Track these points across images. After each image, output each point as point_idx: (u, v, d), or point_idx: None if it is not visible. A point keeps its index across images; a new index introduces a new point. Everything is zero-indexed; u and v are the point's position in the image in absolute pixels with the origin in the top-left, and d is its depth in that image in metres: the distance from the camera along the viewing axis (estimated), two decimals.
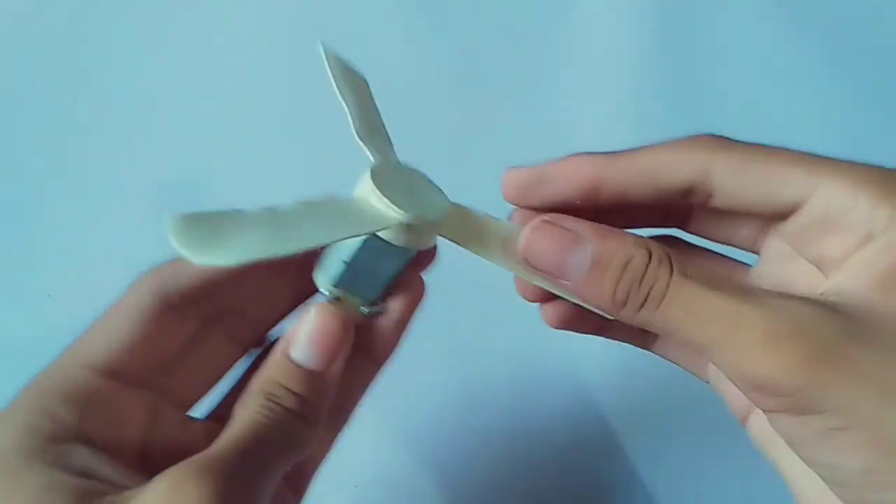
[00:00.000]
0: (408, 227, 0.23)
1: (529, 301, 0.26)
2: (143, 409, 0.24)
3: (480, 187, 0.29)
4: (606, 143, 0.36)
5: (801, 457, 0.21)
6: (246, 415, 0.22)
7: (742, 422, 0.26)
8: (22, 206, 0.42)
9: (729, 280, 0.23)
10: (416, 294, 0.26)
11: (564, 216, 0.23)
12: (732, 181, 0.23)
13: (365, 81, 0.28)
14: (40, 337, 0.32)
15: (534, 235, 0.23)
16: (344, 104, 0.25)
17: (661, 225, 0.27)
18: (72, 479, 0.20)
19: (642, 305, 0.22)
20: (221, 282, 0.25)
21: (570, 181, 0.24)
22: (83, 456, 0.21)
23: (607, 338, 0.28)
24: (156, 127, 0.43)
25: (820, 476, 0.21)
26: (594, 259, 0.22)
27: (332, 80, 0.25)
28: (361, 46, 0.41)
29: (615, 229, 0.23)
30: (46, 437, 0.21)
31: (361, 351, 0.26)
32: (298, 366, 0.24)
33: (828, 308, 0.20)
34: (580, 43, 0.46)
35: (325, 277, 0.25)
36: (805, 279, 0.23)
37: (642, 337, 0.28)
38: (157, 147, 0.43)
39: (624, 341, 0.28)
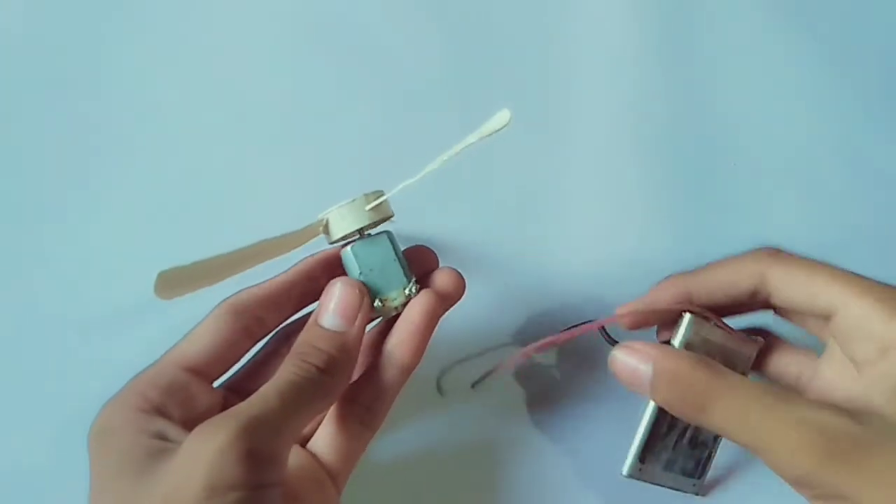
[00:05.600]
0: (346, 213, 0.31)
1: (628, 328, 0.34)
2: (216, 399, 0.31)
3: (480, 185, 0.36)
4: (606, 142, 0.43)
5: None
6: (279, 374, 0.28)
7: None
8: (23, 209, 0.42)
9: (766, 385, 0.29)
10: (432, 316, 0.33)
11: (636, 342, 0.31)
12: (784, 289, 0.31)
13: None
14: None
15: (617, 364, 0.31)
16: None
17: (748, 311, 0.34)
18: (147, 439, 0.28)
19: (696, 411, 0.29)
20: (280, 303, 0.32)
21: (668, 301, 0.33)
22: (160, 424, 0.28)
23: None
24: (159, 131, 0.43)
25: None
26: (653, 376, 0.30)
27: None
28: (362, 47, 0.45)
29: (674, 351, 0.30)
30: (134, 409, 0.29)
31: (392, 362, 0.32)
32: (325, 329, 0.30)
33: (849, 416, 0.27)
34: (580, 42, 0.47)
35: None
36: (848, 374, 0.30)
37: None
38: (158, 151, 0.43)
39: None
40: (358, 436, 0.32)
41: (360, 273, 0.32)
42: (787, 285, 0.31)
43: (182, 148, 0.43)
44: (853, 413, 0.27)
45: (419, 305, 0.32)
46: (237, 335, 0.31)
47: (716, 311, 0.33)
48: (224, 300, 0.31)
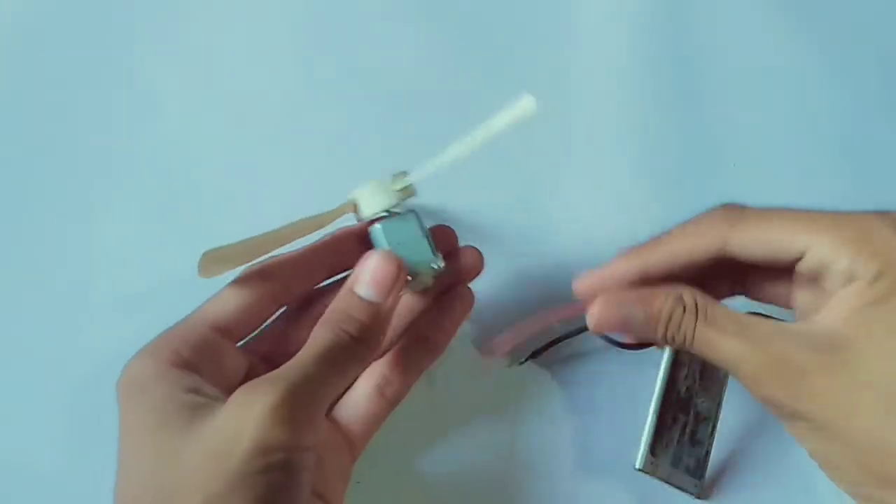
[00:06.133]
0: (375, 192, 0.33)
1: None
2: (242, 360, 0.32)
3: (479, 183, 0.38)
4: (606, 143, 0.44)
5: (808, 452, 0.29)
6: (314, 339, 0.29)
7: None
8: (17, 205, 0.42)
9: (735, 317, 0.30)
10: (465, 303, 0.35)
11: (616, 291, 0.32)
12: (749, 246, 0.31)
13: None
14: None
15: (598, 313, 0.31)
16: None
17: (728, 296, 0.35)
18: (182, 393, 0.28)
19: (683, 343, 0.30)
20: (308, 272, 0.33)
21: (624, 278, 0.32)
22: (193, 379, 0.29)
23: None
24: (156, 127, 0.44)
25: (820, 467, 0.29)
26: (646, 319, 0.31)
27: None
28: (361, 43, 0.46)
29: (656, 290, 0.31)
30: (168, 363, 0.29)
31: (422, 343, 0.34)
32: (361, 298, 0.31)
33: (804, 339, 0.28)
34: (581, 39, 0.47)
35: None
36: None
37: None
38: (157, 148, 0.43)
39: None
40: (380, 407, 0.34)
41: (389, 249, 0.33)
42: (751, 242, 0.30)
43: (182, 145, 0.44)
44: (809, 338, 0.28)
45: (465, 302, 0.35)
46: (264, 300, 0.32)
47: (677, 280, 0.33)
48: (252, 265, 0.33)
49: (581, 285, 0.33)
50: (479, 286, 0.37)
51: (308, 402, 0.27)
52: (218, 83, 0.45)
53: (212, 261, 0.30)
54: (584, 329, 0.33)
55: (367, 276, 0.31)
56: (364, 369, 0.32)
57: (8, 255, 0.41)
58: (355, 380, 0.34)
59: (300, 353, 0.29)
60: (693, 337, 0.30)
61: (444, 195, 0.41)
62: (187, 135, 0.44)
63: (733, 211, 0.31)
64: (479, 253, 0.35)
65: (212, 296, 0.32)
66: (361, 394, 0.34)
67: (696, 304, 0.30)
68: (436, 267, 0.33)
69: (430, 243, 0.34)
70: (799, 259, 0.30)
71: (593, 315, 0.31)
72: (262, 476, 0.26)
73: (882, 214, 0.29)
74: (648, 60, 0.47)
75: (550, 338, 0.37)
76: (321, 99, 0.45)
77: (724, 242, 0.31)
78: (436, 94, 0.45)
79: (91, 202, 0.42)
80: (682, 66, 0.47)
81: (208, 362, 0.30)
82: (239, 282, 0.32)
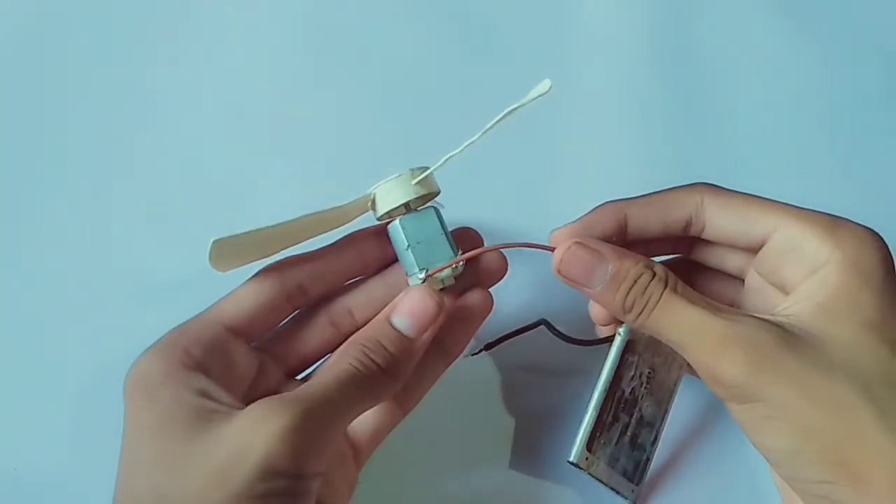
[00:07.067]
0: (393, 187, 0.31)
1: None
2: (253, 361, 0.31)
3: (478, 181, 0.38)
4: (606, 142, 0.44)
5: (752, 442, 0.28)
6: (339, 362, 0.28)
7: None
8: (25, 203, 0.43)
9: (706, 299, 0.29)
10: (484, 307, 0.33)
11: (591, 238, 0.31)
12: (719, 218, 0.31)
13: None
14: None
15: (567, 254, 0.30)
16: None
17: (671, 253, 0.35)
18: (192, 396, 0.27)
19: (641, 313, 0.29)
20: (324, 273, 0.32)
21: (604, 226, 0.32)
22: (203, 382, 0.28)
23: None
24: (157, 129, 0.44)
25: (765, 459, 0.28)
26: (612, 274, 0.30)
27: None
28: (363, 40, 0.46)
29: (630, 252, 0.30)
30: (178, 363, 0.28)
31: (436, 347, 0.32)
32: (396, 330, 0.30)
33: (771, 324, 0.28)
34: (581, 41, 0.48)
35: (410, 269, 0.32)
36: (769, 302, 0.31)
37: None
38: (167, 146, 0.44)
39: None
40: (390, 415, 0.32)
41: (408, 246, 0.32)
42: (724, 214, 0.31)
43: (192, 143, 0.44)
44: (774, 323, 0.28)
45: (481, 308, 0.33)
46: (279, 300, 0.31)
47: (646, 244, 0.33)
48: (268, 264, 0.32)
49: (557, 234, 0.32)
50: None
51: (322, 428, 0.26)
52: (229, 76, 0.46)
53: (223, 250, 0.29)
54: (539, 324, 0.34)
55: (406, 308, 0.30)
56: (384, 400, 0.30)
57: (15, 253, 0.41)
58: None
59: (322, 373, 0.28)
60: (657, 303, 0.29)
61: (444, 197, 0.40)
62: (196, 132, 0.44)
63: (712, 187, 0.32)
64: (504, 256, 0.34)
65: (226, 294, 0.31)
66: None
67: (667, 275, 0.29)
68: (456, 268, 0.32)
69: (450, 241, 0.32)
70: (764, 241, 0.30)
71: (557, 256, 0.30)
72: (262, 501, 0.25)
73: (857, 223, 0.30)
74: (649, 61, 0.47)
75: (506, 331, 0.36)
76: (332, 95, 0.46)
77: (699, 208, 0.31)
78: (439, 90, 0.46)
79: (101, 199, 0.43)
80: (682, 67, 0.48)
81: (220, 363, 0.29)
82: (255, 280, 0.31)
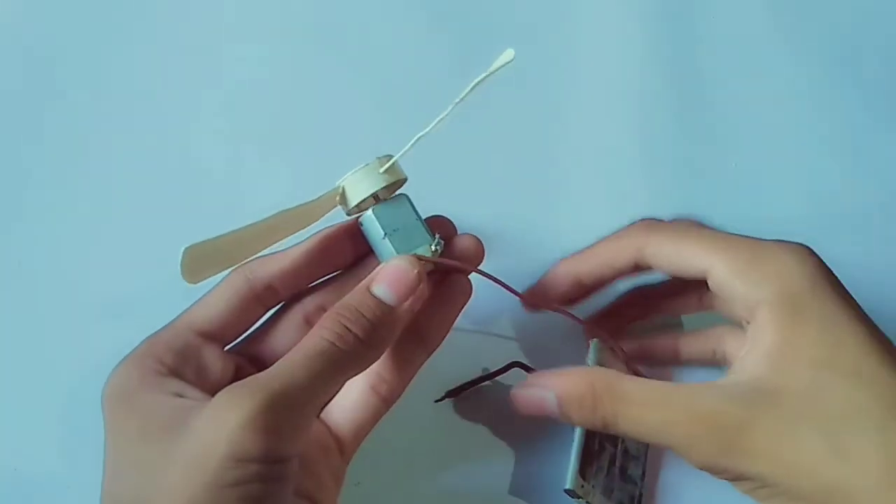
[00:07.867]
0: (361, 177, 0.31)
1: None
2: (228, 364, 0.30)
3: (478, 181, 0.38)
4: (605, 137, 0.45)
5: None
6: (312, 335, 0.27)
7: None
8: (16, 203, 0.42)
9: (655, 382, 0.29)
10: (463, 293, 0.33)
11: (538, 375, 0.32)
12: (658, 259, 0.32)
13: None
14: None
15: (516, 399, 0.32)
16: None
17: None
18: (168, 398, 0.27)
19: (607, 423, 0.29)
20: (295, 273, 0.31)
21: (560, 288, 0.35)
22: (178, 385, 0.28)
23: None
24: (154, 124, 0.44)
25: None
26: (559, 403, 0.30)
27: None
28: (362, 40, 0.46)
29: (568, 371, 0.31)
30: (152, 372, 0.28)
31: (416, 336, 0.32)
32: (375, 297, 0.29)
33: (733, 393, 0.28)
34: (583, 34, 0.48)
35: (388, 258, 0.31)
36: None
37: None
38: (154, 146, 0.44)
39: None
40: (373, 408, 0.31)
41: (385, 235, 0.31)
42: (661, 256, 0.32)
43: (172, 150, 0.44)
44: (733, 392, 0.28)
45: (462, 292, 0.33)
46: (250, 303, 0.31)
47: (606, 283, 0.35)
48: (237, 266, 0.31)
49: (527, 294, 0.35)
50: (479, 286, 0.35)
51: (292, 410, 0.25)
52: (217, 84, 0.46)
53: (194, 258, 0.28)
54: (509, 368, 0.36)
55: (387, 276, 0.29)
56: (360, 372, 0.29)
57: (13, 253, 0.41)
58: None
59: (289, 354, 0.27)
60: (615, 419, 0.29)
61: (444, 199, 0.39)
62: (176, 139, 0.44)
63: (651, 225, 0.33)
64: (478, 240, 0.33)
65: (197, 300, 0.31)
66: (353, 393, 0.31)
67: (607, 385, 0.29)
68: (434, 249, 0.31)
69: (425, 226, 0.32)
70: (701, 275, 0.31)
71: (514, 401, 0.31)
72: (236, 488, 0.24)
73: (784, 243, 0.30)
74: (649, 62, 0.47)
75: (473, 377, 0.37)
76: (316, 93, 0.46)
77: (640, 253, 0.33)
78: (434, 87, 0.44)
79: (79, 206, 0.42)
80: (683, 67, 0.48)
81: (193, 368, 0.29)
82: (224, 284, 0.31)
